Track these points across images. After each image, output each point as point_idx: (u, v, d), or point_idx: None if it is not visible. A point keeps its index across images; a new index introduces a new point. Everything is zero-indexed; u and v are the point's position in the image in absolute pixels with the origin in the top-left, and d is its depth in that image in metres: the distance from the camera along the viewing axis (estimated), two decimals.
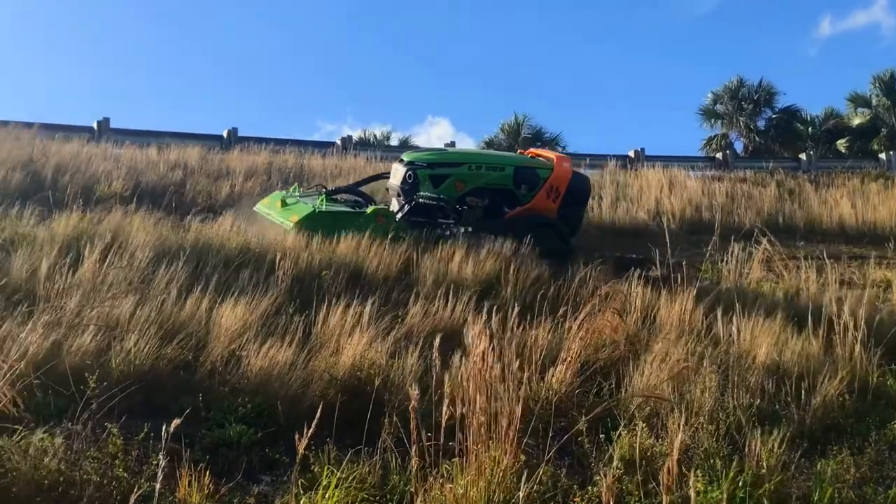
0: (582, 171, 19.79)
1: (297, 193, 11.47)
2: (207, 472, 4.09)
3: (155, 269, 7.27)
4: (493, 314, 5.27)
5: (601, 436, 4.94)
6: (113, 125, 20.80)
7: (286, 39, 69.86)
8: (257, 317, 6.47)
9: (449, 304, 7.21)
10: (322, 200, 10.66)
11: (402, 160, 11.71)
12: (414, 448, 4.12)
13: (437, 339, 4.69)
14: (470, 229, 10.88)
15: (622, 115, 63.02)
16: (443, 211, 11.10)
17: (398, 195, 11.39)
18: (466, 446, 4.27)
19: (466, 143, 34.53)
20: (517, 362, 4.74)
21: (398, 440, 4.55)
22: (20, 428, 4.30)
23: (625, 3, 67.12)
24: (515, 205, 11.68)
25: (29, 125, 17.75)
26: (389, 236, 9.39)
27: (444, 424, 4.23)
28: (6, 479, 4.03)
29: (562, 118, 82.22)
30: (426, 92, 65.35)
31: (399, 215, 10.78)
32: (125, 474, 4.21)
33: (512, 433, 4.30)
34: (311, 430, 4.01)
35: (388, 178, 12.04)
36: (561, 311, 6.63)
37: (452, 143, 23.28)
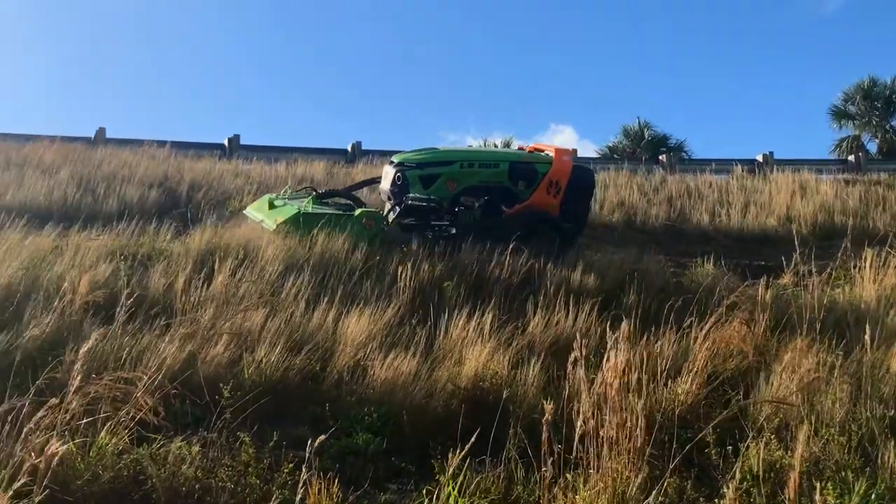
0: (709, 175, 19.60)
1: (285, 196, 11.32)
2: (336, 480, 4.18)
3: (283, 282, 7.48)
4: (617, 324, 5.20)
5: (728, 447, 4.84)
6: (242, 142, 21.48)
7: (408, 51, 70.80)
8: (381, 327, 6.58)
9: (570, 313, 7.16)
10: (309, 202, 10.51)
11: (391, 162, 11.30)
12: (549, 460, 4.12)
13: (572, 357, 4.60)
14: (456, 231, 10.51)
15: (749, 119, 61.34)
16: (436, 212, 10.69)
17: (388, 198, 10.98)
18: (588, 458, 4.26)
19: (588, 151, 33.89)
20: (643, 373, 4.70)
21: (521, 450, 4.57)
22: (159, 437, 4.51)
23: (749, 6, 65.52)
24: (514, 202, 11.12)
25: (162, 143, 18.57)
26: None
27: (577, 437, 4.24)
28: (147, 486, 4.23)
29: (687, 123, 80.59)
30: (550, 99, 65.05)
31: (390, 218, 10.47)
32: (257, 481, 4.35)
33: (638, 444, 4.27)
34: (462, 452, 4.12)
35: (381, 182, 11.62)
36: (687, 321, 6.52)
37: (574, 151, 22.95)
